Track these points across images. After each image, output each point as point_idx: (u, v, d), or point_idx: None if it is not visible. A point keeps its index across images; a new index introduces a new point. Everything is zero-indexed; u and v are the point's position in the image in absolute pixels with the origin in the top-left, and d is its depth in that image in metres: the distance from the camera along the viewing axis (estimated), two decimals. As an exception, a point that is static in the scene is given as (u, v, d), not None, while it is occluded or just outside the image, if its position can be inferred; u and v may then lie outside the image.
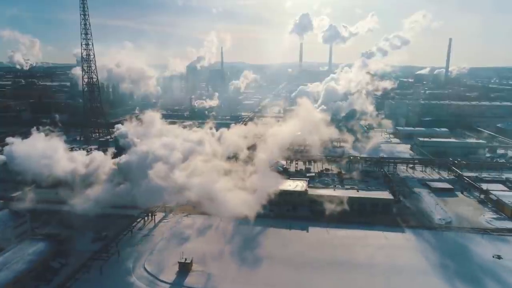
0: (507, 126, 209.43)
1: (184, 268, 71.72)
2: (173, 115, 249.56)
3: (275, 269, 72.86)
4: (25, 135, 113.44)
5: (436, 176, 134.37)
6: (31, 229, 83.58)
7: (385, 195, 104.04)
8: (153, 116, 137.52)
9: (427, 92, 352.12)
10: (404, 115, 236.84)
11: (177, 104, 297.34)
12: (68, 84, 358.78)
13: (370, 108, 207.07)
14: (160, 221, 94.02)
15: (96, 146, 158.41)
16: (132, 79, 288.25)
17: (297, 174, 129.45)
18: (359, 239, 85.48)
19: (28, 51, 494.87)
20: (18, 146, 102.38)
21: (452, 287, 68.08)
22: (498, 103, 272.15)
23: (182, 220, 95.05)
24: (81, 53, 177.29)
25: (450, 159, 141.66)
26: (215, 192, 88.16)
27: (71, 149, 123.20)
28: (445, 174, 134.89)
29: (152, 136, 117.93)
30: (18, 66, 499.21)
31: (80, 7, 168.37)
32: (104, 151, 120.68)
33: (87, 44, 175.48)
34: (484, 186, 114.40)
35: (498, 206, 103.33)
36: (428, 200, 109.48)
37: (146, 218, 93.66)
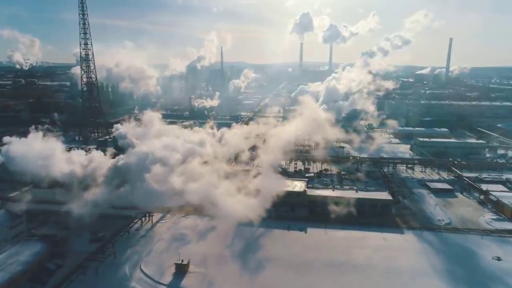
0: (508, 126, 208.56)
1: (181, 270, 71.13)
2: (173, 115, 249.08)
3: (273, 270, 72.17)
4: (24, 134, 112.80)
5: (435, 176, 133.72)
6: (28, 230, 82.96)
7: (384, 195, 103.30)
8: (152, 116, 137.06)
9: (428, 92, 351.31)
10: (404, 115, 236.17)
11: (176, 104, 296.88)
12: (68, 83, 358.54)
13: (372, 108, 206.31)
14: (157, 222, 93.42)
15: (95, 146, 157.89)
16: (132, 78, 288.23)
17: (296, 175, 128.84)
18: (358, 240, 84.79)
19: (28, 51, 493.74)
20: (15, 146, 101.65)
21: (451, 289, 67.41)
22: (498, 103, 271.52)
23: (180, 220, 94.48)
24: (80, 53, 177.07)
25: (450, 159, 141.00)
26: (216, 197, 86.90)
27: (69, 149, 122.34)
28: (444, 175, 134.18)
29: (151, 137, 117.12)
30: (17, 66, 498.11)
31: (79, 6, 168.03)
32: (104, 150, 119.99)
33: (85, 44, 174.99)
34: (484, 186, 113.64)
35: (498, 207, 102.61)
36: (428, 201, 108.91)
37: (143, 218, 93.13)
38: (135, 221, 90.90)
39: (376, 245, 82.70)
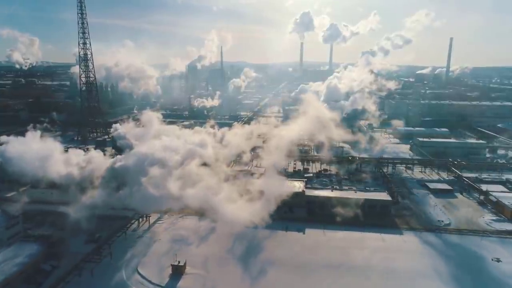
0: (508, 126, 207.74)
1: (177, 271, 70.50)
2: (172, 115, 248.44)
3: (270, 271, 71.49)
4: (22, 134, 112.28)
5: (435, 177, 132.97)
6: (24, 230, 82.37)
7: (383, 196, 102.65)
8: (151, 116, 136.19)
9: (428, 92, 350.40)
10: (404, 115, 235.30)
11: (176, 103, 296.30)
12: (68, 83, 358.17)
13: (373, 107, 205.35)
14: (154, 223, 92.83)
15: (93, 146, 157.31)
16: (132, 78, 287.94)
17: (295, 175, 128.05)
18: (357, 241, 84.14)
19: (28, 50, 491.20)
20: (12, 146, 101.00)
21: (450, 291, 66.79)
22: (499, 103, 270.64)
23: (177, 221, 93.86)
24: (79, 52, 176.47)
25: (450, 159, 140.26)
26: (216, 203, 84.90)
27: (67, 149, 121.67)
28: (444, 175, 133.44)
29: (150, 137, 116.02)
30: (17, 66, 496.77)
31: (77, 6, 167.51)
32: (103, 150, 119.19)
33: (84, 43, 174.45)
34: (484, 187, 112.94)
35: (497, 208, 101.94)
36: (427, 202, 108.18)
37: (140, 219, 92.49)
38: (132, 221, 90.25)
39: (375, 246, 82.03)
